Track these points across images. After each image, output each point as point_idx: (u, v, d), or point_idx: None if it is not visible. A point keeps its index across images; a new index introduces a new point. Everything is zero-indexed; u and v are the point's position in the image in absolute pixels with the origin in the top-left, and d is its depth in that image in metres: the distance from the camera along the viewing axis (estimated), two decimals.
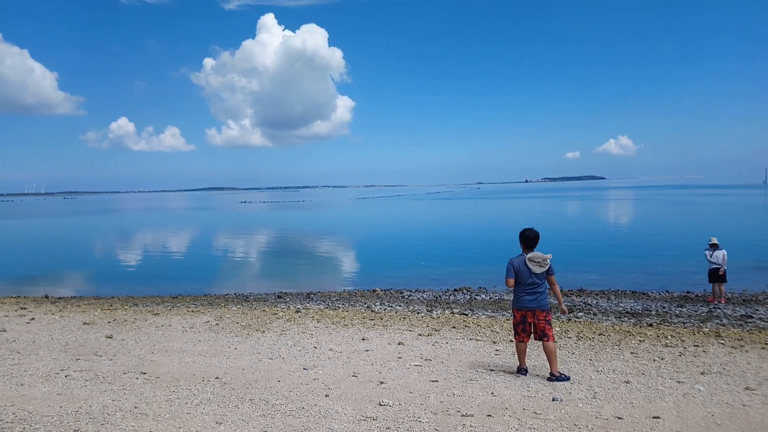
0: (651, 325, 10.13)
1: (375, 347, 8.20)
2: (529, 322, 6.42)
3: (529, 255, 6.35)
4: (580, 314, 11.46)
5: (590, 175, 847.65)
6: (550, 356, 6.37)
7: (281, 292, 15.44)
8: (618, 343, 8.37)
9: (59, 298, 14.77)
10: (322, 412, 5.40)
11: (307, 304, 13.00)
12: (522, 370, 6.65)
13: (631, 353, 7.70)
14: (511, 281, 6.40)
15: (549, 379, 6.34)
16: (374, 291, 15.23)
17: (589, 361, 7.29)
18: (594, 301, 13.10)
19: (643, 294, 14.23)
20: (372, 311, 11.85)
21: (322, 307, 12.58)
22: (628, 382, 6.33)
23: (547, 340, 6.35)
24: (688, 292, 14.28)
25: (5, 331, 9.74)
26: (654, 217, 46.92)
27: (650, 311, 11.91)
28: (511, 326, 6.86)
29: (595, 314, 11.50)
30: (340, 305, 12.83)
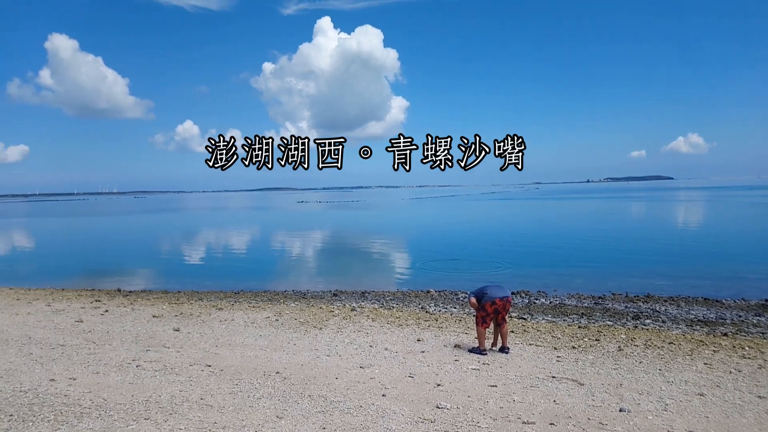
0: (726, 334, 9.49)
1: (431, 349, 8.15)
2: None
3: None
4: (648, 321, 10.90)
5: (657, 175, 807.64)
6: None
7: (337, 290, 15.62)
8: (690, 353, 7.90)
9: (130, 291, 15.60)
10: (380, 411, 5.41)
11: (362, 303, 13.09)
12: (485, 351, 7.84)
13: (705, 364, 7.25)
14: (473, 299, 7.85)
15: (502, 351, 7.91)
16: (428, 292, 15.11)
17: (658, 371, 6.92)
18: (663, 308, 12.43)
19: (717, 301, 13.34)
20: (427, 312, 11.77)
21: (376, 306, 12.63)
22: (702, 394, 5.96)
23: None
24: (766, 300, 13.28)
25: (82, 321, 10.40)
26: (727, 219, 44.03)
27: (725, 320, 11.17)
28: (481, 319, 7.81)
29: (663, 322, 10.91)
30: (394, 305, 12.84)
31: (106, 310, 11.67)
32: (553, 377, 6.60)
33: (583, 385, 6.31)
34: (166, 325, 10.02)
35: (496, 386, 6.25)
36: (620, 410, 5.45)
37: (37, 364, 7.29)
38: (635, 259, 21.18)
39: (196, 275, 20.00)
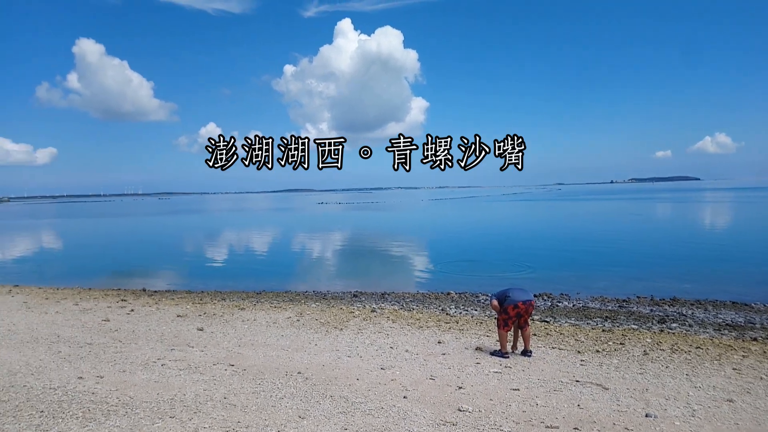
0: (756, 339, 9.24)
1: (452, 351, 8.11)
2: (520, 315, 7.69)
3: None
4: (674, 325, 10.68)
5: (683, 175, 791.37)
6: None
7: (357, 291, 15.65)
8: (718, 357, 7.72)
9: (155, 291, 15.87)
10: (401, 413, 5.41)
11: (382, 304, 13.09)
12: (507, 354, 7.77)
13: (734, 369, 7.07)
14: (495, 302, 7.77)
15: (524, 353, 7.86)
16: (448, 294, 15.05)
17: (685, 375, 6.77)
18: (689, 312, 12.17)
19: (746, 305, 13.01)
20: (447, 314, 11.72)
21: (396, 307, 12.63)
22: (731, 400, 5.82)
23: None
24: None
25: (108, 321, 10.62)
26: (756, 221, 42.88)
27: (754, 324, 10.88)
28: (503, 322, 7.73)
29: (690, 326, 10.68)
30: (414, 307, 12.81)
31: (132, 310, 11.89)
32: (577, 381, 6.51)
33: (607, 389, 6.21)
34: (190, 325, 10.17)
35: (518, 390, 6.19)
36: (646, 416, 5.35)
37: (66, 362, 7.47)
38: (661, 262, 20.77)
39: (219, 275, 20.27)
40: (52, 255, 30.59)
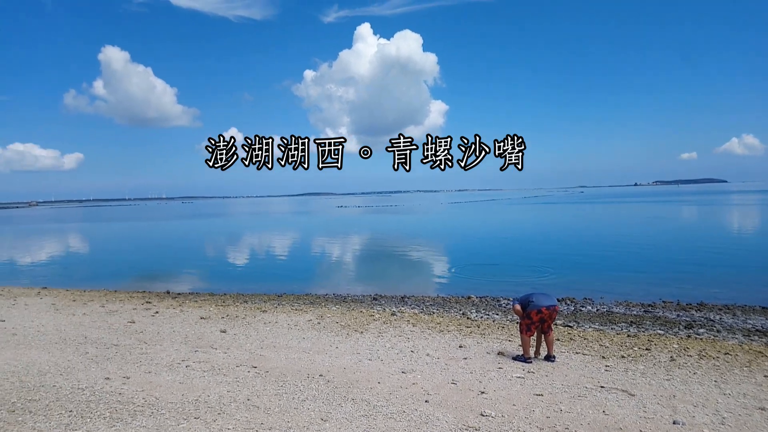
0: None
1: (473, 355, 8.06)
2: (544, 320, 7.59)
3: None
4: (702, 330, 10.44)
5: (709, 178, 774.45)
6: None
7: (377, 294, 15.66)
8: (748, 364, 7.52)
9: (179, 293, 16.11)
10: (423, 417, 5.39)
11: (402, 308, 13.07)
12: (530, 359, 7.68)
13: (765, 377, 6.88)
14: (518, 306, 7.74)
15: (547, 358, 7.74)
16: (469, 297, 14.95)
17: (714, 382, 6.61)
18: (717, 317, 11.88)
19: None
20: (468, 318, 11.65)
21: (416, 311, 12.59)
22: (763, 408, 5.66)
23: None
24: None
25: (134, 322, 10.82)
26: None
27: None
28: (526, 327, 7.65)
29: (718, 331, 10.42)
30: (434, 310, 12.76)
31: (157, 312, 12.09)
32: (602, 387, 6.41)
33: (633, 395, 6.10)
34: (213, 327, 10.30)
35: (542, 395, 6.12)
36: (674, 422, 5.24)
37: (93, 362, 7.63)
38: (687, 266, 20.32)
39: (241, 278, 20.50)
40: (79, 258, 31.30)
